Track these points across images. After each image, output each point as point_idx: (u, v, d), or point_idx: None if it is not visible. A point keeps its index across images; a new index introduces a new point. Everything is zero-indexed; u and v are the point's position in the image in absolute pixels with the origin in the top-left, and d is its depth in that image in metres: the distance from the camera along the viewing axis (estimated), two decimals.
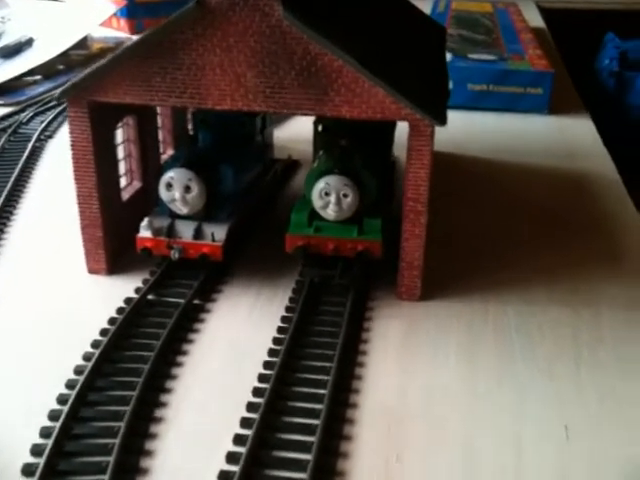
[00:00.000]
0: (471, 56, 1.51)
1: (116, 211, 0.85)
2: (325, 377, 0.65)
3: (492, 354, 0.71)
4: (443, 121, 0.71)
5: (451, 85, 1.39)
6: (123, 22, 2.09)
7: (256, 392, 0.64)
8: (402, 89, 0.70)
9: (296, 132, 1.21)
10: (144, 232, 0.81)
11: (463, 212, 1.00)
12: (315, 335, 0.72)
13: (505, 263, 0.88)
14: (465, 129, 1.31)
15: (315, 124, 0.92)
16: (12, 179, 1.08)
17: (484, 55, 1.52)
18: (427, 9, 1.82)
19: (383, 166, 0.90)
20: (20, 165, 1.14)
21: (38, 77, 1.64)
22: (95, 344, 0.71)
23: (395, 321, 0.75)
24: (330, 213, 0.77)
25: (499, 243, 0.92)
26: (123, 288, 0.80)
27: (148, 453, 0.59)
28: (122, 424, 0.60)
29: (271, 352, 0.69)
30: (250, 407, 0.62)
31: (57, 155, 1.19)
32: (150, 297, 0.79)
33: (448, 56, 1.46)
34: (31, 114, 1.39)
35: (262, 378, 0.66)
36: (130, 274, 0.83)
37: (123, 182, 0.89)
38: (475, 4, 2.08)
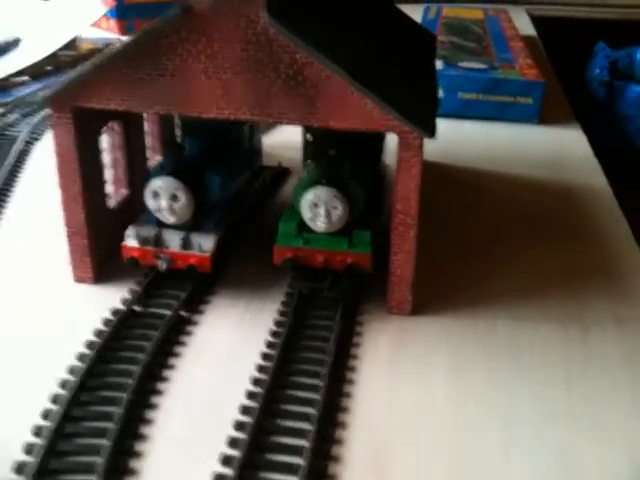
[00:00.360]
0: (461, 64, 1.51)
1: (102, 218, 0.83)
2: (314, 395, 0.64)
3: (482, 372, 0.71)
4: (432, 133, 0.71)
5: (441, 93, 1.39)
6: (113, 23, 2.07)
7: (244, 410, 0.63)
8: (391, 99, 0.70)
9: (286, 138, 1.21)
10: (130, 241, 0.79)
11: (452, 223, 1.00)
12: (304, 350, 0.71)
13: (494, 276, 0.87)
14: (454, 138, 1.30)
15: (304, 133, 0.92)
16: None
17: (474, 63, 1.52)
18: (418, 15, 1.81)
19: (373, 176, 0.90)
20: (6, 168, 1.13)
21: (26, 78, 1.62)
22: (81, 357, 0.70)
23: (385, 336, 0.75)
24: (319, 225, 0.77)
25: (488, 255, 0.92)
26: (110, 298, 0.79)
27: (132, 472, 0.58)
28: (106, 441, 0.59)
29: (259, 368, 0.69)
30: (237, 426, 0.61)
31: (43, 159, 1.17)
32: (136, 308, 0.78)
33: (439, 64, 1.46)
34: (18, 116, 1.38)
35: (250, 395, 0.65)
36: (117, 283, 0.82)
37: (109, 189, 0.88)
38: (466, 10, 2.08)
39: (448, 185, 1.12)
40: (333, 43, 0.74)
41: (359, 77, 0.68)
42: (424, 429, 0.63)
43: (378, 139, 0.96)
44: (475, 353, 0.73)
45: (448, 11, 2.04)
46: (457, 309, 0.80)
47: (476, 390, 0.68)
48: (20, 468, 0.57)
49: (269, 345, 0.72)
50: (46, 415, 0.62)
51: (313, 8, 0.81)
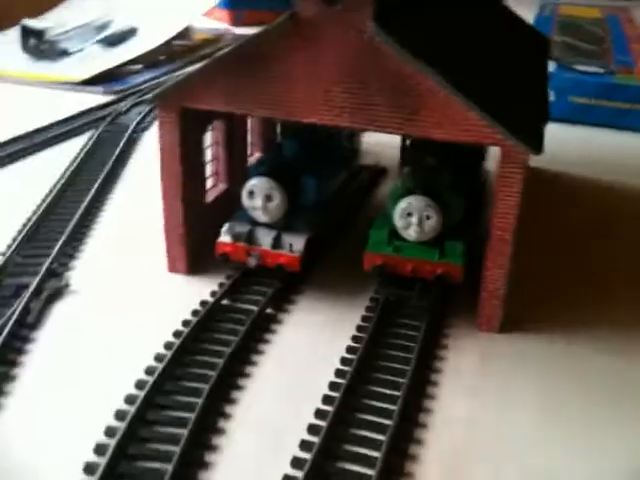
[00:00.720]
0: (575, 67, 1.44)
1: (199, 213, 0.86)
2: (392, 406, 0.63)
3: (572, 402, 0.67)
4: (538, 149, 0.68)
5: (552, 96, 1.33)
6: (223, 13, 2.12)
7: (318, 414, 0.63)
8: (496, 111, 0.67)
9: (386, 137, 1.19)
10: (224, 237, 0.81)
11: (553, 240, 0.96)
12: (386, 359, 0.70)
13: (597, 301, 0.82)
14: (563, 144, 1.24)
15: (403, 138, 0.90)
16: (107, 169, 1.12)
17: (589, 66, 1.45)
18: (530, 12, 1.75)
19: (472, 185, 0.87)
20: (115, 155, 1.18)
21: (140, 66, 1.68)
22: (167, 345, 0.72)
23: (470, 352, 0.73)
24: (411, 234, 0.75)
25: (589, 280, 0.87)
26: (200, 290, 0.81)
27: (206, 465, 0.59)
28: (185, 431, 0.61)
29: (338, 373, 0.68)
30: (311, 430, 0.61)
31: (151, 148, 1.21)
32: (224, 302, 0.79)
33: (551, 65, 1.40)
34: (130, 104, 1.44)
35: (326, 400, 0.65)
36: (208, 276, 0.84)
37: (209, 184, 0.90)
38: (583, 9, 1.99)
39: (553, 195, 1.07)
40: (438, 51, 0.72)
41: (464, 88, 0.67)
42: (504, 457, 0.61)
43: (480, 147, 0.93)
44: (565, 381, 0.69)
45: (564, 9, 1.95)
46: (551, 331, 0.76)
47: (563, 421, 0.65)
48: (100, 450, 0.59)
49: (350, 350, 0.72)
50: (130, 400, 0.64)
51: (419, 12, 0.80)
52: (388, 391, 0.66)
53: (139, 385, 0.66)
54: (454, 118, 0.67)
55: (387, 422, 0.62)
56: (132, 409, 0.63)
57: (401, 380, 0.67)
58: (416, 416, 0.64)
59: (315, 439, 0.60)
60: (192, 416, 0.62)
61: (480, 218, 0.86)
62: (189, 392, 0.66)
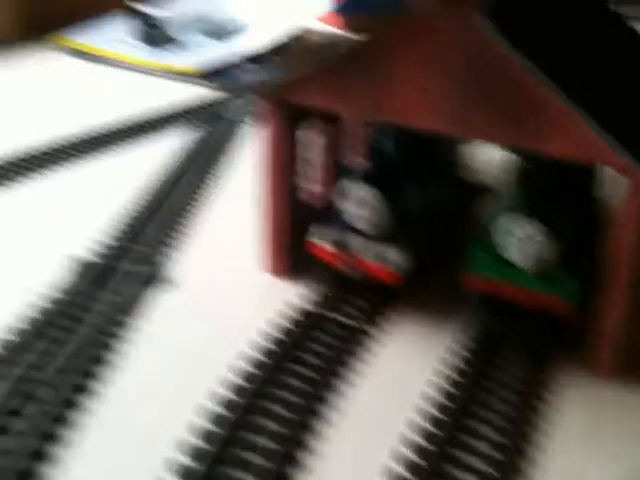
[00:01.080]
0: None
1: (296, 213, 0.83)
2: (496, 454, 0.59)
3: None
4: None
5: None
6: (338, 18, 2.10)
7: (405, 442, 0.60)
8: (618, 132, 0.62)
9: (490, 154, 1.13)
10: (315, 239, 0.79)
11: None
12: (486, 394, 0.66)
13: None
14: None
15: (511, 154, 0.85)
16: (210, 164, 1.11)
17: None
18: None
19: (584, 211, 0.80)
20: (220, 151, 1.17)
21: (248, 63, 1.68)
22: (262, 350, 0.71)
23: (579, 399, 0.67)
24: (513, 255, 0.70)
25: None
26: (290, 293, 0.79)
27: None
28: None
29: (435, 405, 0.65)
30: (397, 458, 0.58)
31: (255, 146, 1.20)
32: (318, 311, 0.77)
33: None
34: (232, 99, 1.43)
35: (417, 429, 0.61)
36: (300, 279, 0.82)
37: (304, 184, 0.87)
38: None
39: None
40: (559, 62, 0.67)
41: (584, 104, 0.62)
42: None
43: (594, 169, 0.86)
44: None
45: None
46: None
47: None
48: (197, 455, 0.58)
49: (449, 381, 0.68)
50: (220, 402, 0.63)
51: (539, 24, 0.74)
52: (491, 433, 0.62)
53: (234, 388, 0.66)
54: (571, 134, 0.62)
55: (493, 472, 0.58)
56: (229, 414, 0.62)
57: (504, 424, 0.62)
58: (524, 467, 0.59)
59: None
60: (282, 430, 0.61)
61: (595, 248, 0.80)
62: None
